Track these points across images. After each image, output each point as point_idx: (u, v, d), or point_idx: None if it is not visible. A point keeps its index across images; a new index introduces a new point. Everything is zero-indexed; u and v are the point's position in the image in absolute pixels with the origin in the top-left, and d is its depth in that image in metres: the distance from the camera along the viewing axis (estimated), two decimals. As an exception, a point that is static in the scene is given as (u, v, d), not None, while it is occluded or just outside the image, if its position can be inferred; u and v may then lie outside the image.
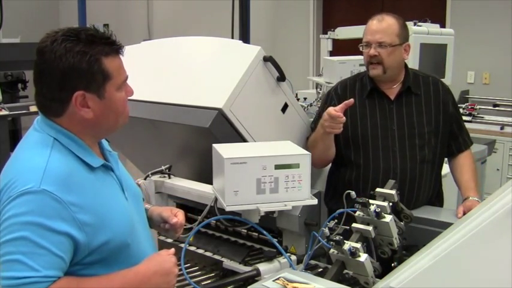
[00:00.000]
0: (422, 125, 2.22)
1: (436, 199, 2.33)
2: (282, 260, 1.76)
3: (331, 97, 2.32)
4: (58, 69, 1.28)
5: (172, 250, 1.41)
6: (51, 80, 1.30)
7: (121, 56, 1.38)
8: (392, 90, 2.25)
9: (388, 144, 2.21)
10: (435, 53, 3.60)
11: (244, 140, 2.15)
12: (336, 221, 1.75)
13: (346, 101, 2.07)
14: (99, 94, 1.33)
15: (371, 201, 1.71)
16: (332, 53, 4.47)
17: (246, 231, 2.04)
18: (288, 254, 1.79)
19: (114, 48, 1.35)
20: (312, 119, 2.46)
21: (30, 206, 1.20)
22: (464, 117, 4.85)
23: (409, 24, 2.82)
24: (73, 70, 1.28)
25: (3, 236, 1.20)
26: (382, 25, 2.17)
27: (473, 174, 2.28)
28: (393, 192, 1.77)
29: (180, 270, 1.61)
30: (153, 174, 2.18)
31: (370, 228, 1.67)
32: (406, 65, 2.30)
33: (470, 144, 2.36)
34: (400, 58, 2.22)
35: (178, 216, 1.60)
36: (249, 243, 2.07)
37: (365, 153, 2.22)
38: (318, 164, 2.30)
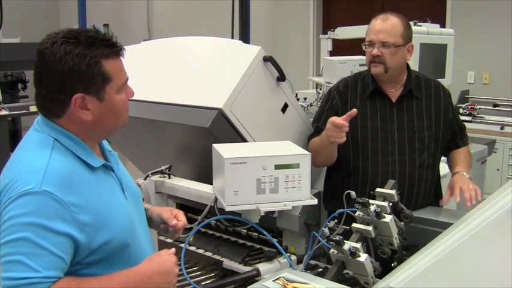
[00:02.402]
0: (423, 130, 2.20)
1: (434, 199, 2.32)
2: (282, 260, 1.76)
3: (333, 95, 2.30)
4: (57, 71, 1.28)
5: (173, 250, 1.41)
6: (50, 82, 1.30)
7: (122, 58, 1.38)
8: (394, 93, 2.23)
9: (387, 148, 2.19)
10: (435, 53, 3.60)
11: (244, 140, 2.15)
12: (336, 221, 1.75)
13: (350, 112, 2.02)
14: (99, 96, 1.32)
15: (371, 201, 1.71)
16: (332, 53, 4.47)
17: (246, 231, 2.04)
18: (288, 254, 1.79)
19: (115, 51, 1.35)
20: (312, 119, 2.46)
21: (30, 207, 1.20)
22: (464, 117, 4.90)
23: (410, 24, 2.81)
24: (72, 72, 1.28)
25: (3, 236, 1.20)
26: (386, 25, 2.15)
27: (466, 155, 2.30)
28: (393, 192, 1.77)
29: (180, 270, 1.61)
30: (153, 174, 2.18)
31: (370, 228, 1.67)
32: (408, 67, 2.28)
33: (468, 144, 2.38)
34: (403, 59, 2.20)
35: (178, 217, 1.60)
36: (249, 243, 2.07)
37: (364, 155, 2.21)
38: (318, 166, 2.30)
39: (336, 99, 2.26)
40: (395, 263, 1.73)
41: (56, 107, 1.32)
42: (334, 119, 2.02)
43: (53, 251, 1.20)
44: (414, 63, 3.16)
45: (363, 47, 2.22)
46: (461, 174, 2.18)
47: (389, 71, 2.17)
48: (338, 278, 1.59)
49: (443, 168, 2.42)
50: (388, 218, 1.67)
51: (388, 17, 2.17)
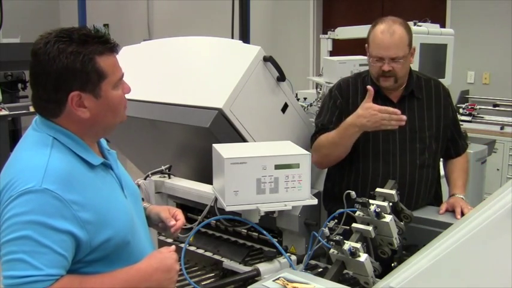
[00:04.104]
0: (424, 129, 2.20)
1: (434, 199, 2.32)
2: (282, 260, 1.76)
3: (335, 95, 2.28)
4: (52, 70, 1.28)
5: (173, 247, 1.41)
6: (46, 82, 1.30)
7: (116, 54, 1.38)
8: (396, 93, 2.22)
9: (388, 148, 2.19)
10: (435, 53, 3.59)
11: (244, 140, 2.15)
12: (336, 221, 1.75)
13: (394, 111, 2.03)
14: (95, 93, 1.33)
15: (371, 201, 1.71)
16: (332, 53, 4.47)
17: (246, 231, 2.04)
18: (288, 254, 1.79)
19: (108, 47, 1.35)
20: (312, 119, 2.45)
21: (31, 205, 1.21)
22: (464, 117, 4.90)
23: (409, 25, 2.83)
24: (67, 71, 1.28)
25: (5, 235, 1.20)
26: (395, 39, 2.09)
27: (463, 173, 2.30)
28: (393, 192, 1.77)
29: (180, 270, 1.61)
30: (153, 174, 2.18)
31: (370, 228, 1.67)
32: (409, 67, 2.25)
33: (467, 147, 2.38)
34: (409, 65, 2.19)
35: (176, 216, 1.60)
36: (249, 243, 2.07)
37: (364, 156, 2.20)
38: (330, 162, 2.27)
39: (338, 99, 2.25)
40: (395, 263, 1.73)
41: (53, 107, 1.33)
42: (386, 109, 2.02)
43: (55, 248, 1.20)
44: (414, 63, 3.14)
45: (369, 61, 2.18)
46: (458, 196, 2.18)
47: (399, 80, 2.16)
48: (338, 278, 1.59)
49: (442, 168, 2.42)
50: (388, 218, 1.67)
51: (393, 29, 2.10)
